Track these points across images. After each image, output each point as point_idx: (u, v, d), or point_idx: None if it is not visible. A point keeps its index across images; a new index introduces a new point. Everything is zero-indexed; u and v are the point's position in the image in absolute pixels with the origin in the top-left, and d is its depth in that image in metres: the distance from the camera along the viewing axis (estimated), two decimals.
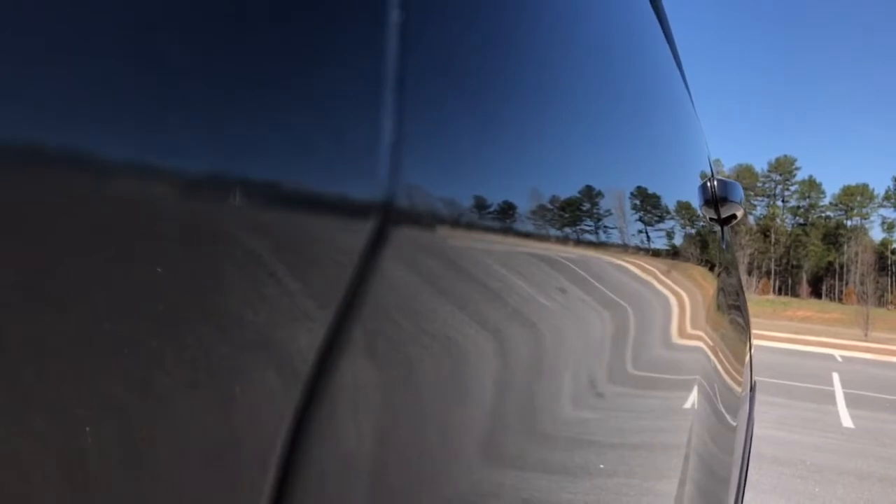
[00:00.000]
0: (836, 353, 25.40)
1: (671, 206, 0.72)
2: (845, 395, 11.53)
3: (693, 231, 0.81)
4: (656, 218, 0.67)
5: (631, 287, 0.59)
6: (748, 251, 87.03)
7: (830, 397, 11.12)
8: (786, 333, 37.53)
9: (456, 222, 0.25)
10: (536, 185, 0.38)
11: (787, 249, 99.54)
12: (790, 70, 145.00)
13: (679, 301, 0.74)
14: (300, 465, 0.20)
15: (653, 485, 0.66)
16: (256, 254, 0.19)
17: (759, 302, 69.25)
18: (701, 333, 0.81)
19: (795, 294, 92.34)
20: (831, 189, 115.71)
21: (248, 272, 0.19)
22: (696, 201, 0.86)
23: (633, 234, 0.59)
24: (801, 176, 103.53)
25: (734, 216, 1.05)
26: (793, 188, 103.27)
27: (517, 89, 0.33)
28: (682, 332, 0.75)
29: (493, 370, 0.32)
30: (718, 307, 0.93)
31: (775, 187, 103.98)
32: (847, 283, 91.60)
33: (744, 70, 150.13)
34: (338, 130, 0.21)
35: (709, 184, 0.89)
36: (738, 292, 1.22)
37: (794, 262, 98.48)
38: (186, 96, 0.18)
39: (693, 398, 0.76)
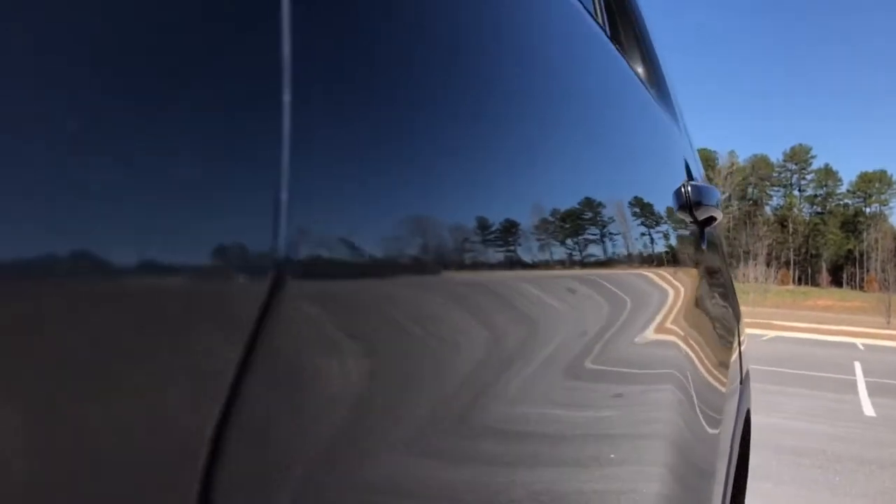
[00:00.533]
0: (858, 341, 25.17)
1: (636, 212, 0.75)
2: (867, 383, 11.44)
3: (666, 235, 0.85)
4: (630, 229, 0.71)
5: (593, 292, 0.62)
6: (766, 242, 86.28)
7: (852, 386, 11.04)
8: (806, 323, 37.22)
9: (352, 271, 0.26)
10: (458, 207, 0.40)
11: (805, 239, 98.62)
12: (802, 59, 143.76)
13: (650, 301, 0.78)
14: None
15: (627, 477, 0.69)
16: (153, 317, 0.20)
17: (778, 293, 68.66)
18: (676, 330, 0.85)
19: (815, 283, 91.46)
20: (848, 176, 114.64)
21: (147, 337, 0.20)
22: (669, 206, 0.91)
23: (604, 245, 0.62)
24: (817, 164, 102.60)
25: (713, 218, 1.09)
26: (809, 177, 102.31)
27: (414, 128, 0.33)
28: (655, 330, 0.79)
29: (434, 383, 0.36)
30: (697, 305, 0.97)
31: (791, 177, 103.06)
32: (868, 271, 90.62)
33: (755, 61, 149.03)
34: (231, 185, 0.22)
35: (682, 189, 0.93)
36: (725, 288, 1.26)
37: (813, 252, 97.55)
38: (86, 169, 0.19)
39: (668, 393, 0.80)
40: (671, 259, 0.85)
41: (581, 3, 0.75)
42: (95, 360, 0.19)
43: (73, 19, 0.19)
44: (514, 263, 0.41)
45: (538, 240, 0.47)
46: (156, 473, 0.20)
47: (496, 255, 0.39)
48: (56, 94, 0.18)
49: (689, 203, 0.93)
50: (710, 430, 0.97)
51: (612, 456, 0.66)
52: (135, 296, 0.20)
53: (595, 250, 0.61)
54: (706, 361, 0.95)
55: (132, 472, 0.20)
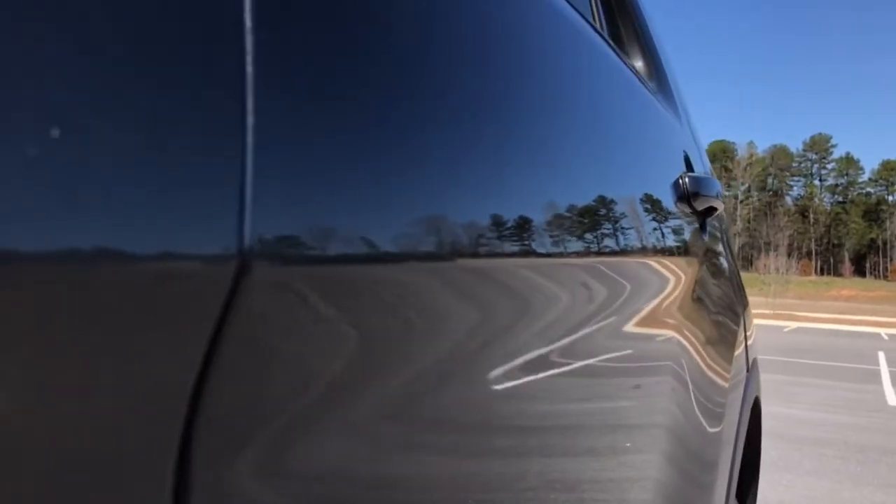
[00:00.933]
0: (883, 331, 24.88)
1: (631, 205, 0.77)
2: (891, 373, 11.32)
3: (662, 226, 0.87)
4: (624, 221, 0.72)
5: (588, 284, 0.63)
6: (787, 233, 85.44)
7: (876, 376, 10.94)
8: (829, 314, 36.87)
9: (316, 260, 0.27)
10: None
11: (827, 229, 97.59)
12: (820, 48, 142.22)
13: (646, 293, 0.79)
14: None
15: (623, 466, 0.71)
16: (118, 315, 0.21)
17: (800, 283, 68.02)
18: (674, 320, 0.86)
19: (838, 273, 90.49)
20: (870, 165, 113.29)
21: (112, 331, 0.21)
22: (667, 197, 0.92)
23: (598, 237, 0.63)
24: (837, 153, 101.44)
25: (713, 209, 1.10)
26: (830, 166, 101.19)
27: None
28: (651, 321, 0.80)
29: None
30: (697, 295, 0.99)
31: (812, 166, 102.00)
32: (891, 260, 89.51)
33: (772, 50, 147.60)
34: (192, 186, 0.22)
35: (680, 180, 0.95)
36: (729, 278, 1.27)
37: (835, 241, 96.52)
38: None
39: (665, 384, 0.81)
40: (669, 250, 0.86)
41: (575, 4, 0.76)
42: (63, 350, 0.19)
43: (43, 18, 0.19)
44: (493, 254, 0.42)
45: (524, 232, 0.48)
46: (129, 464, 0.21)
47: (470, 242, 0.40)
48: (16, 90, 0.18)
49: (687, 194, 0.94)
50: (712, 421, 0.98)
51: (608, 446, 0.67)
52: (100, 286, 0.20)
53: (590, 243, 0.62)
54: (706, 352, 0.96)
55: (105, 467, 0.21)
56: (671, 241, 0.89)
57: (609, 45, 0.86)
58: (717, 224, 1.23)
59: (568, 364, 0.58)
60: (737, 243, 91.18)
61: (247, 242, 0.23)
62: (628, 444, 0.71)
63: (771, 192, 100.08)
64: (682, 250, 0.92)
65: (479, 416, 0.43)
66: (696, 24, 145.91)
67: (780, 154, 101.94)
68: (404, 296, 0.32)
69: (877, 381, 10.24)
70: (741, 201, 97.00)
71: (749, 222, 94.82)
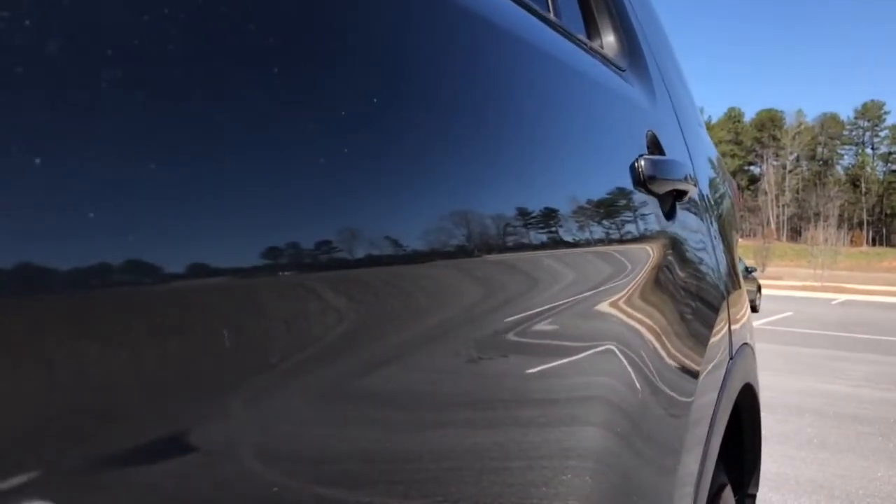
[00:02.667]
0: None
1: (575, 195, 0.74)
2: None
3: (611, 214, 0.83)
4: (560, 209, 0.70)
5: (534, 274, 0.62)
6: (837, 203, 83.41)
7: None
8: (881, 286, 36.00)
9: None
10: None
11: (879, 198, 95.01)
12: (871, 9, 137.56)
13: (594, 277, 0.77)
14: None
15: (568, 440, 0.69)
16: None
17: (851, 255, 66.51)
18: (623, 304, 0.83)
19: (891, 244, 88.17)
20: None
21: None
22: (622, 183, 0.88)
23: (526, 229, 0.61)
24: (890, 120, 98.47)
25: (683, 192, 1.06)
26: (882, 133, 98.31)
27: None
28: (598, 304, 0.78)
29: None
30: (658, 280, 0.95)
31: (863, 134, 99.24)
32: None
33: (821, 17, 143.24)
34: None
35: (636, 164, 0.91)
36: (709, 261, 1.22)
37: (888, 211, 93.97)
38: None
39: (610, 364, 0.79)
40: (619, 237, 0.83)
41: None
42: None
43: None
44: (436, 253, 0.44)
45: (465, 228, 0.50)
46: None
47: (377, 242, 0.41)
48: None
49: (642, 178, 0.90)
50: (671, 404, 0.95)
51: (545, 420, 0.67)
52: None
53: (532, 234, 0.62)
54: (665, 336, 0.93)
55: None
56: (624, 227, 0.85)
57: (555, 28, 0.83)
58: (695, 206, 1.18)
59: (516, 349, 0.59)
60: (785, 214, 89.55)
61: None
62: (566, 420, 0.71)
63: (820, 162, 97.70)
64: (638, 236, 0.89)
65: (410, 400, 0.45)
66: None
67: (829, 122, 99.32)
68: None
69: None
70: (790, 171, 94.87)
71: (798, 192, 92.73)
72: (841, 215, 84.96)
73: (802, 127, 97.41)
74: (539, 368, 0.64)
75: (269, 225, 0.35)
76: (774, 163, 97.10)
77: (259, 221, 0.34)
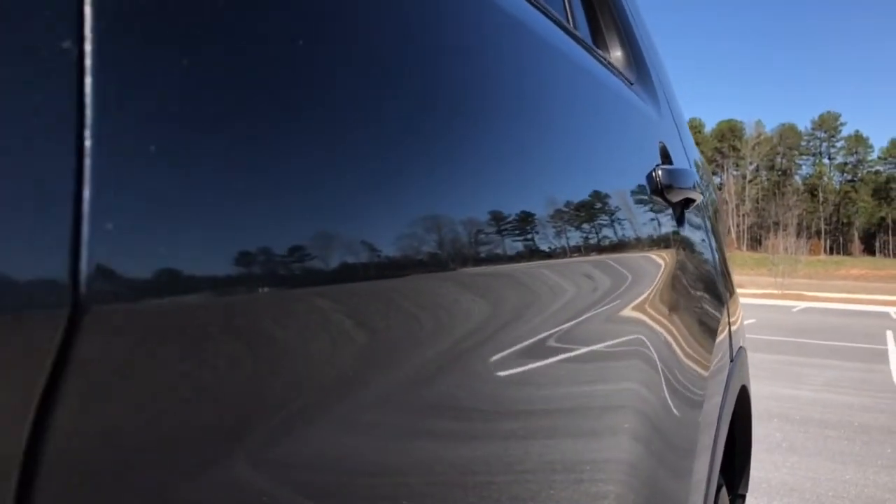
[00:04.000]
0: (892, 310, 24.77)
1: (598, 201, 0.77)
2: None
3: (633, 221, 0.87)
4: (589, 216, 0.73)
5: (560, 280, 0.64)
6: (796, 212, 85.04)
7: (883, 356, 10.91)
8: (838, 293, 36.74)
9: (159, 292, 0.26)
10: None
11: (836, 207, 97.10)
12: (828, 27, 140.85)
13: (617, 286, 0.80)
14: None
15: (598, 449, 0.71)
16: None
17: (810, 263, 67.73)
18: (647, 311, 0.86)
19: (848, 252, 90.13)
20: (879, 143, 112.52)
21: None
22: (640, 191, 0.92)
23: (560, 234, 0.64)
24: (846, 131, 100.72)
25: (690, 200, 1.10)
26: (839, 144, 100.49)
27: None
28: (624, 313, 0.80)
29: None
30: (674, 285, 0.99)
31: (820, 145, 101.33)
32: None
33: (778, 29, 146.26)
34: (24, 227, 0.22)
35: (654, 174, 0.95)
36: (712, 267, 1.27)
37: (845, 220, 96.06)
38: None
39: (636, 370, 0.82)
40: (643, 243, 0.87)
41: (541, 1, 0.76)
42: None
43: None
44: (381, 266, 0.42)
45: (488, 235, 0.50)
46: None
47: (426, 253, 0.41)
48: None
49: (660, 187, 0.94)
50: (687, 407, 0.98)
51: (577, 429, 0.68)
52: None
53: (558, 241, 0.63)
54: (683, 340, 0.97)
55: None
56: (644, 234, 0.89)
57: (578, 40, 0.86)
58: (699, 213, 1.23)
59: (541, 356, 0.59)
60: (745, 223, 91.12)
61: (82, 287, 0.23)
62: (596, 428, 0.72)
63: (779, 172, 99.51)
64: (656, 243, 0.93)
65: (431, 408, 0.45)
66: (703, 2, 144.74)
67: (788, 133, 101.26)
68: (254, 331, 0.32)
69: (884, 361, 10.21)
70: (749, 181, 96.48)
71: (758, 202, 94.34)
72: (799, 224, 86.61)
73: (762, 137, 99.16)
74: (570, 375, 0.66)
75: (345, 231, 0.36)
76: (735, 173, 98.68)
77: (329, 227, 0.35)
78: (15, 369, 0.21)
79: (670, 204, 0.99)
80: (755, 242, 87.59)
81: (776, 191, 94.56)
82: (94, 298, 0.23)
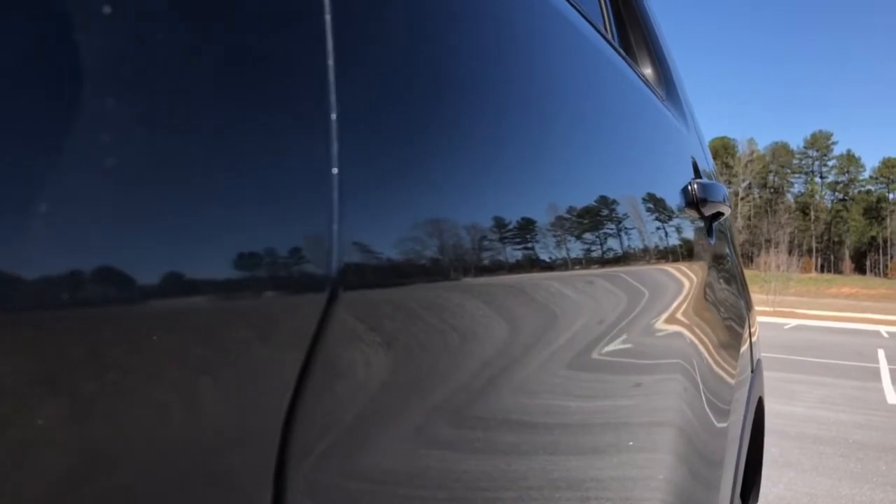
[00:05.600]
0: (883, 328, 24.86)
1: (645, 210, 0.79)
2: (891, 371, 11.34)
3: (674, 231, 0.90)
4: (633, 225, 0.75)
5: (605, 288, 0.66)
6: (787, 230, 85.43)
7: (875, 374, 10.96)
8: (830, 311, 36.89)
9: (403, 271, 0.29)
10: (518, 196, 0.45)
11: (827, 226, 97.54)
12: (821, 47, 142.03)
13: (659, 296, 0.82)
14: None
15: (634, 464, 0.73)
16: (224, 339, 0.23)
17: (801, 280, 68.01)
18: (685, 321, 0.89)
19: (838, 271, 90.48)
20: (871, 162, 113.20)
21: (219, 357, 0.23)
22: (677, 203, 0.95)
23: (609, 241, 0.66)
24: (838, 150, 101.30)
25: (720, 213, 1.13)
26: (830, 163, 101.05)
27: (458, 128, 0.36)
28: (663, 323, 0.83)
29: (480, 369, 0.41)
30: (706, 297, 1.01)
31: (812, 163, 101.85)
32: (892, 258, 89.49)
33: (773, 48, 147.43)
34: (286, 204, 0.24)
35: (689, 187, 0.97)
36: (735, 279, 1.29)
37: (836, 239, 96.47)
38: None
39: (676, 383, 0.84)
40: (679, 254, 0.89)
41: (587, 16, 0.78)
42: (171, 373, 0.21)
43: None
44: (533, 262, 0.44)
45: (555, 237, 0.51)
46: (231, 477, 0.23)
47: (519, 254, 0.43)
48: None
49: (695, 200, 0.97)
50: (719, 419, 1.01)
51: (620, 444, 0.70)
52: (201, 313, 0.22)
53: (606, 247, 0.65)
54: (715, 352, 0.99)
55: (212, 475, 0.23)
56: (681, 246, 0.91)
57: (621, 55, 0.89)
58: (723, 226, 1.25)
59: (585, 366, 0.61)
60: (738, 240, 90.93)
61: (334, 267, 0.25)
62: (639, 443, 0.74)
63: (772, 189, 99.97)
64: (692, 254, 0.95)
65: (521, 417, 0.46)
66: (697, 21, 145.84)
67: (780, 151, 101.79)
68: (469, 309, 0.35)
69: (876, 379, 10.26)
70: (742, 198, 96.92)
71: (750, 219, 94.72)
72: (791, 242, 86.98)
73: (754, 155, 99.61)
74: (613, 389, 0.68)
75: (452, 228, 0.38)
76: (728, 190, 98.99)
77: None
78: (275, 357, 0.23)
79: (703, 217, 1.02)
80: (747, 259, 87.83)
81: (768, 208, 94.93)
82: (346, 287, 0.25)
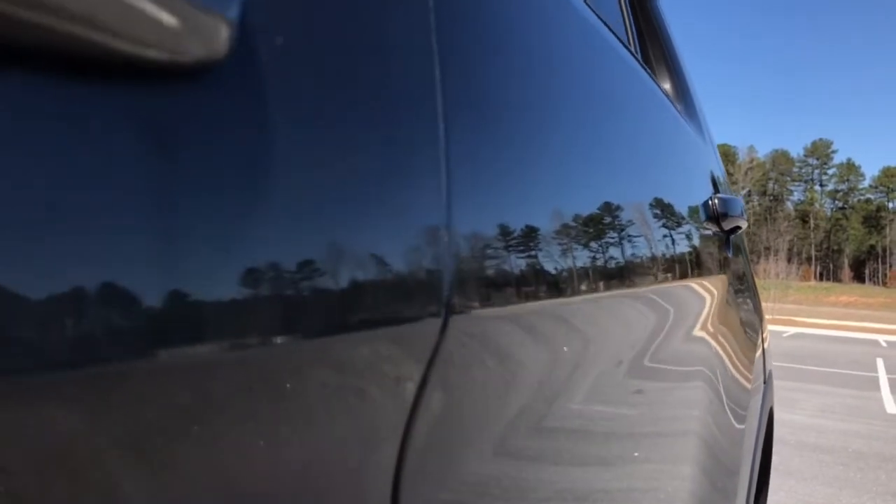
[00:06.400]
0: (881, 338, 24.88)
1: (672, 225, 0.81)
2: (890, 381, 11.36)
3: (696, 244, 0.92)
4: (666, 236, 0.77)
5: (642, 297, 0.68)
6: (787, 238, 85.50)
7: (874, 383, 10.98)
8: (829, 320, 36.89)
9: (506, 287, 0.31)
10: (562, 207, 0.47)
11: (826, 234, 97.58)
12: (822, 55, 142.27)
13: (686, 307, 0.84)
14: None
15: (658, 473, 0.75)
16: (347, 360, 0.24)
17: (800, 289, 68.04)
18: (708, 332, 0.91)
19: (837, 279, 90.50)
20: (871, 171, 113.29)
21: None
22: (698, 217, 0.97)
23: (644, 252, 0.68)
24: (838, 159, 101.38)
25: (738, 227, 1.15)
26: (830, 172, 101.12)
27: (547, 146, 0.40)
28: (689, 333, 0.85)
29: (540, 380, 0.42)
30: (726, 308, 1.03)
31: (812, 172, 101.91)
32: (891, 267, 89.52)
33: (773, 56, 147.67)
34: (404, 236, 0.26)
35: (710, 202, 1.00)
36: (749, 290, 1.32)
37: (835, 247, 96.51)
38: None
39: (700, 392, 0.86)
40: (703, 267, 0.91)
41: (614, 30, 0.80)
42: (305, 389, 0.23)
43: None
44: (604, 277, 0.47)
45: (610, 257, 0.53)
46: (354, 481, 0.25)
47: (609, 269, 0.45)
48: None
49: (716, 215, 0.99)
50: (737, 426, 1.03)
51: (644, 453, 0.71)
52: (329, 337, 0.24)
53: (636, 259, 0.67)
54: (734, 361, 1.01)
55: (338, 479, 0.25)
56: (704, 260, 0.93)
57: (645, 69, 0.91)
58: (738, 238, 1.28)
59: (639, 374, 0.63)
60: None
61: (447, 292, 0.27)
62: (665, 451, 0.76)
63: (771, 197, 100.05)
64: (713, 268, 0.97)
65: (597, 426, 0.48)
66: (697, 29, 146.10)
67: (780, 159, 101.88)
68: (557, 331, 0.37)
69: (875, 389, 10.28)
70: None
71: (750, 227, 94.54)
72: (790, 250, 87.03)
73: (754, 163, 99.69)
74: (642, 401, 0.69)
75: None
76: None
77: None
78: (397, 373, 0.25)
79: (723, 231, 1.04)
80: None
81: (768, 216, 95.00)
82: (459, 306, 0.27)
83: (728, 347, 1.01)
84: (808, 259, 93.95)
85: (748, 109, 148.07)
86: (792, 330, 26.52)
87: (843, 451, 5.88)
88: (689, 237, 0.87)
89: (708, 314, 0.91)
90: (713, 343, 0.92)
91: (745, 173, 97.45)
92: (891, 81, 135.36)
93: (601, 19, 0.71)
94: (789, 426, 6.74)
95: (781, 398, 8.55)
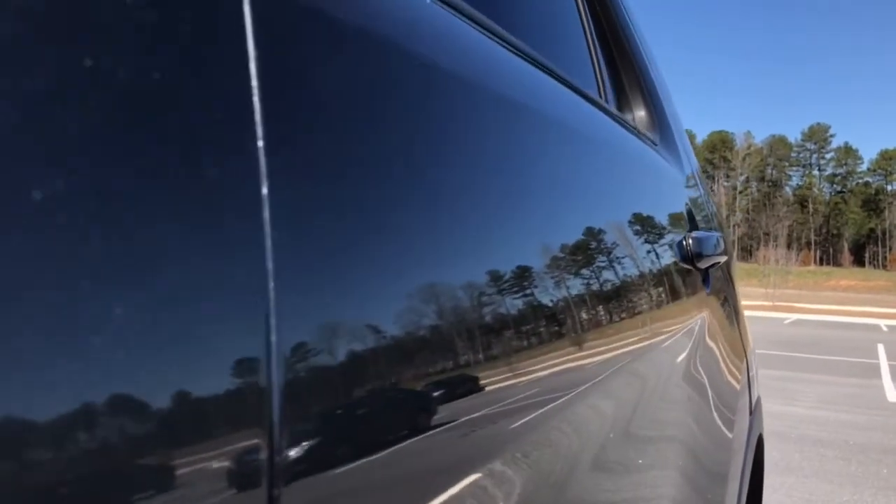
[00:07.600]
0: (882, 322, 24.92)
1: (646, 266, 0.79)
2: (891, 367, 11.35)
3: (670, 289, 0.88)
4: (637, 286, 0.75)
5: (620, 360, 0.66)
6: (786, 223, 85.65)
7: (875, 370, 10.97)
8: (829, 305, 36.96)
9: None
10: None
11: (826, 219, 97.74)
12: (818, 39, 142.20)
13: (660, 361, 0.82)
14: None
15: (645, 476, 0.73)
16: None
17: (800, 274, 68.12)
18: (682, 381, 0.88)
19: (837, 263, 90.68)
20: (869, 154, 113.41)
21: None
22: (673, 257, 0.94)
23: (611, 305, 0.66)
24: (836, 143, 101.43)
25: (716, 263, 1.12)
26: (828, 156, 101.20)
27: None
28: (662, 389, 0.82)
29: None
30: (705, 349, 1.01)
31: (810, 156, 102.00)
32: (891, 250, 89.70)
33: (769, 40, 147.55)
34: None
35: (684, 242, 0.97)
36: (733, 324, 1.29)
37: (835, 232, 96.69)
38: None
39: (676, 444, 0.84)
40: (674, 312, 0.88)
41: (573, 70, 0.78)
42: None
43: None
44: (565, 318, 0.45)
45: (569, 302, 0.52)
46: None
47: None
48: None
49: (690, 255, 0.96)
50: (718, 470, 1.00)
51: (638, 462, 0.70)
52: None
53: (604, 301, 0.65)
54: (712, 411, 0.99)
55: None
56: (678, 301, 0.91)
57: (606, 112, 0.88)
58: (721, 270, 1.25)
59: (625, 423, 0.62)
60: (736, 234, 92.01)
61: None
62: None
63: (770, 183, 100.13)
64: (688, 308, 0.94)
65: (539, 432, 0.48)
66: (693, 16, 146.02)
67: (778, 144, 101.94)
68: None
69: (876, 376, 10.27)
70: (740, 192, 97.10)
71: (748, 213, 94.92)
72: (790, 235, 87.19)
73: (752, 149, 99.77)
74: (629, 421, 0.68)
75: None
76: (725, 184, 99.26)
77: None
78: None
79: (699, 270, 1.01)
80: (746, 253, 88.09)
81: (766, 202, 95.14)
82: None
83: (709, 390, 0.98)
84: (808, 244, 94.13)
85: (745, 95, 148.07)
86: (793, 317, 26.55)
87: (845, 445, 5.86)
88: (660, 281, 0.84)
89: (686, 361, 0.88)
90: (691, 391, 0.90)
91: (743, 159, 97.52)
92: (887, 65, 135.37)
93: (554, 73, 0.68)
94: (790, 419, 6.72)
95: (781, 389, 8.53)
